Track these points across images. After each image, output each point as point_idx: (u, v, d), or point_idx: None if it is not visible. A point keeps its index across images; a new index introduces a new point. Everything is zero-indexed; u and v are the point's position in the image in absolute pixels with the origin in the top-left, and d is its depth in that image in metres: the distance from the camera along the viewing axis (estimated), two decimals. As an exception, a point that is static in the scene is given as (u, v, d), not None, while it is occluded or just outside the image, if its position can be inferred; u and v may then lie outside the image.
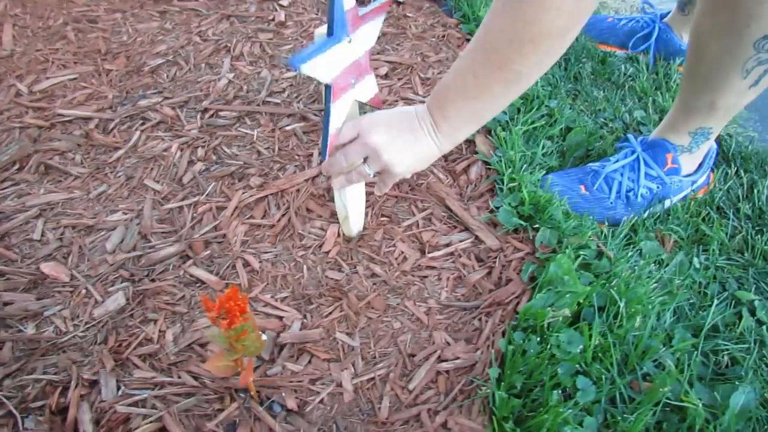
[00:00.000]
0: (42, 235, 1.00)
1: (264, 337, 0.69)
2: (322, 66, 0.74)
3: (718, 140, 1.26)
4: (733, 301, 0.95)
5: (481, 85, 0.75)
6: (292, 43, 1.49)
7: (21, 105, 1.27)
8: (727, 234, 1.07)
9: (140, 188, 1.10)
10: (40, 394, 0.77)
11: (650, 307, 0.86)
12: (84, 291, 0.91)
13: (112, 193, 1.09)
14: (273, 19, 1.58)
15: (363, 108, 0.95)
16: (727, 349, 0.87)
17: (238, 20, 1.58)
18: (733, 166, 1.19)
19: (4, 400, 0.76)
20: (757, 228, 1.08)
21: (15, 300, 0.89)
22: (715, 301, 0.94)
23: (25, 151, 1.14)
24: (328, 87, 0.77)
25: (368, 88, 0.87)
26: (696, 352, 0.85)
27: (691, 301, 0.95)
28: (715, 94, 0.96)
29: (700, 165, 1.12)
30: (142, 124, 1.24)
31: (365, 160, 0.83)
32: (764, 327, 0.90)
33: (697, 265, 1.00)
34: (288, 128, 1.23)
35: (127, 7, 1.62)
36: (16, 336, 0.84)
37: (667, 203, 1.10)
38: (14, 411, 0.75)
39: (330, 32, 0.75)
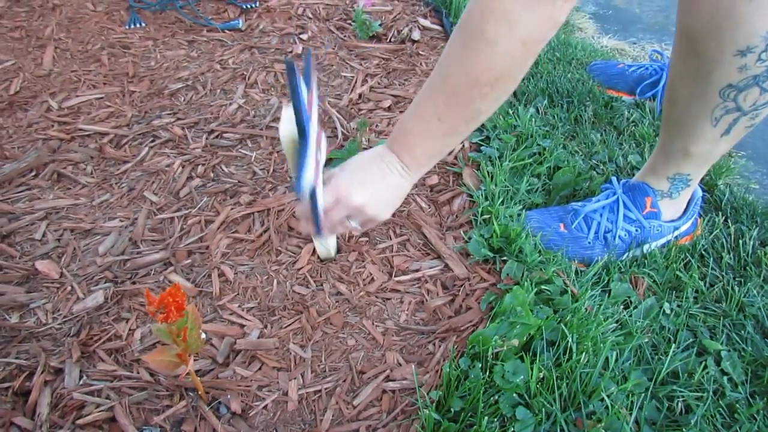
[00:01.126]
0: (43, 236, 1.10)
1: (203, 336, 0.75)
2: (310, 173, 0.79)
3: (712, 190, 1.26)
4: (700, 350, 0.94)
5: (444, 126, 0.81)
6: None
7: (49, 119, 1.40)
8: (705, 282, 1.06)
9: (139, 199, 1.19)
10: (8, 377, 0.84)
11: (602, 345, 0.87)
12: (69, 288, 0.99)
13: (113, 201, 1.18)
14: (291, 51, 1.68)
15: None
16: (683, 396, 0.86)
17: (259, 51, 1.69)
18: (721, 215, 1.18)
19: (-23, 379, 0.84)
20: (738, 279, 1.06)
21: (6, 292, 0.98)
22: (679, 348, 0.93)
23: (42, 159, 1.26)
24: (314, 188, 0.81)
25: (323, 146, 0.89)
26: (647, 395, 0.85)
27: (654, 345, 0.94)
28: (688, 140, 0.97)
29: (684, 211, 1.12)
30: (152, 141, 1.34)
31: (348, 216, 0.89)
32: (726, 378, 0.89)
33: (668, 311, 1.00)
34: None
35: (159, 36, 1.76)
36: (0, 323, 0.92)
37: (646, 247, 1.10)
38: (-17, 389, 0.82)
39: (301, 135, 0.79)
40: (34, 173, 1.24)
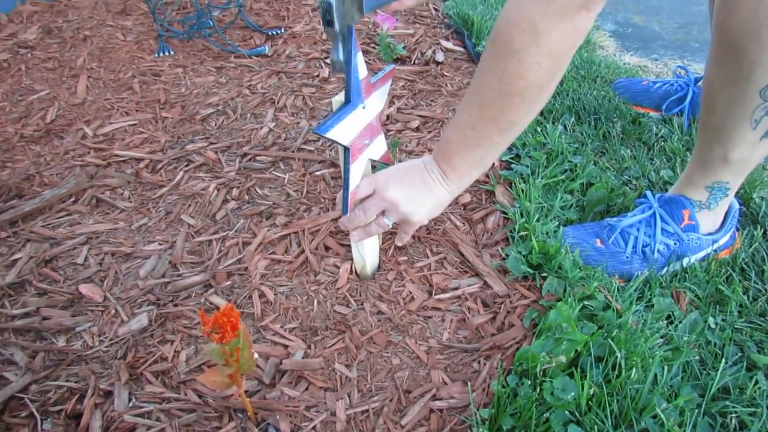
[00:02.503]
0: (85, 260, 1.11)
1: (256, 356, 0.75)
2: (342, 131, 0.83)
3: (747, 203, 1.25)
4: (749, 365, 0.93)
5: (480, 136, 0.82)
6: (332, 97, 1.61)
7: (85, 146, 1.43)
8: (748, 296, 1.04)
9: (177, 222, 1.20)
10: (60, 400, 0.84)
11: (651, 360, 0.86)
12: (113, 311, 1.00)
13: (151, 225, 1.19)
14: (317, 75, 1.71)
15: (374, 164, 1.03)
16: (736, 412, 0.84)
17: (286, 76, 1.72)
18: (759, 228, 1.17)
19: (29, 402, 0.84)
20: (782, 291, 1.05)
21: (53, 315, 0.99)
22: (728, 363, 0.92)
23: (81, 185, 1.28)
24: (347, 149, 0.86)
25: (379, 146, 0.96)
26: (699, 411, 0.83)
27: (701, 360, 0.93)
28: (728, 145, 0.97)
29: (722, 224, 1.11)
30: (187, 165, 1.36)
31: (383, 213, 0.90)
32: (779, 391, 0.87)
33: (713, 326, 0.99)
34: (318, 173, 1.32)
35: (189, 63, 1.80)
36: (49, 347, 0.93)
37: (686, 261, 1.09)
38: (36, 413, 0.83)
39: (347, 100, 0.85)
40: (73, 199, 1.26)
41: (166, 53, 1.84)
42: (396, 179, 0.89)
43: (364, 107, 0.87)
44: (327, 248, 1.13)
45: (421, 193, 0.88)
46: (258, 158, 1.38)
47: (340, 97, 0.86)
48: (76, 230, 1.18)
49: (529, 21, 0.68)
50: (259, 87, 1.67)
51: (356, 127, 0.86)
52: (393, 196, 0.87)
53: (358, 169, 0.89)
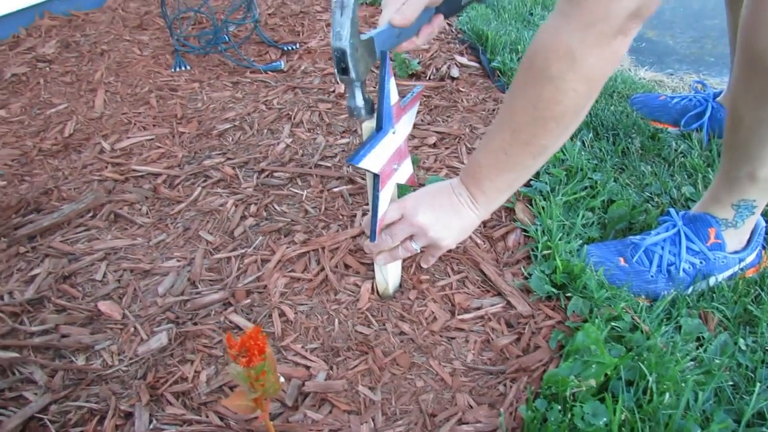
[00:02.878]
0: (103, 277, 1.10)
1: (282, 380, 0.73)
2: (374, 159, 0.82)
3: (773, 219, 1.23)
4: (782, 388, 0.90)
5: (512, 161, 0.81)
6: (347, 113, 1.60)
7: (103, 160, 1.43)
8: (778, 316, 1.02)
9: (195, 239, 1.19)
10: (80, 421, 0.83)
11: (683, 384, 0.83)
12: (132, 329, 0.99)
13: (169, 241, 1.18)
14: (333, 91, 1.70)
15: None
16: (771, 438, 0.82)
17: (302, 91, 1.71)
18: (787, 246, 1.14)
19: (48, 423, 0.83)
20: (812, 312, 1.02)
21: (72, 333, 0.98)
22: (762, 386, 0.89)
23: (100, 200, 1.27)
24: (376, 176, 0.84)
25: (406, 170, 0.95)
26: (734, 438, 0.81)
27: (734, 384, 0.90)
28: (755, 164, 0.95)
29: (748, 242, 1.09)
30: (204, 181, 1.35)
31: (411, 237, 0.89)
32: (815, 417, 0.85)
33: (744, 347, 0.96)
34: (335, 190, 1.31)
35: (205, 78, 1.80)
36: (68, 366, 0.92)
37: (712, 280, 1.07)
38: (56, 434, 0.81)
39: (378, 127, 0.83)
40: (91, 214, 1.25)
41: (183, 68, 1.84)
42: (425, 204, 0.87)
43: (394, 132, 0.86)
44: (347, 266, 1.11)
45: (450, 217, 0.87)
46: (275, 174, 1.37)
47: (370, 123, 0.85)
48: (95, 246, 1.17)
49: (567, 48, 0.67)
50: (275, 102, 1.66)
51: (386, 153, 0.85)
52: (422, 221, 0.85)
53: (386, 195, 0.88)
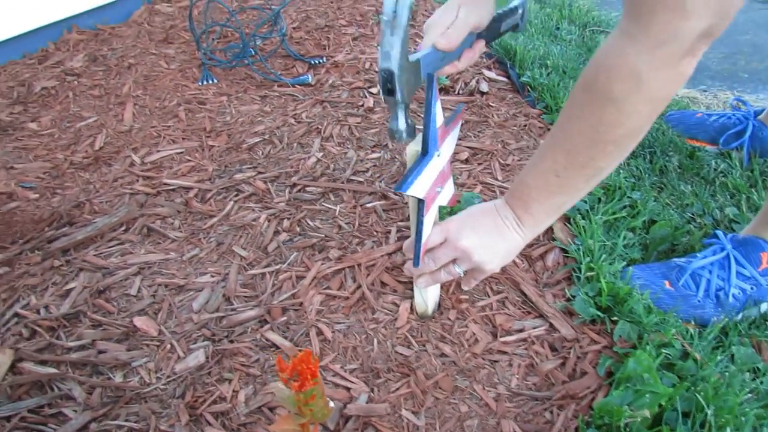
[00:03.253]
0: (138, 291, 1.09)
1: (331, 404, 0.71)
2: (421, 185, 0.80)
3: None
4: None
5: (564, 183, 0.79)
6: (378, 127, 1.59)
7: (133, 174, 1.43)
8: (833, 344, 0.99)
9: (228, 254, 1.18)
10: (120, 441, 0.82)
11: (743, 418, 0.80)
12: (169, 346, 0.98)
13: (203, 256, 1.18)
14: (362, 105, 1.70)
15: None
16: (835, 474, 0.79)
17: (330, 105, 1.71)
18: (838, 270, 1.11)
19: (88, 443, 0.81)
20: None
21: (108, 349, 0.97)
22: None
23: (132, 214, 1.27)
24: (421, 201, 0.82)
25: (449, 191, 0.93)
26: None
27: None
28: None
29: (800, 267, 1.06)
30: (236, 195, 1.34)
31: (454, 260, 0.87)
32: None
33: (799, 377, 0.93)
34: (369, 205, 1.29)
35: (233, 91, 1.80)
36: (106, 383, 0.91)
37: (764, 307, 1.04)
38: (94, 455, 0.80)
39: (424, 151, 0.82)
40: (124, 228, 1.25)
41: (210, 81, 1.85)
42: (468, 227, 0.85)
43: (439, 155, 0.85)
44: (383, 284, 1.10)
45: (495, 241, 0.85)
46: (307, 189, 1.36)
47: (414, 146, 0.84)
48: (128, 260, 1.16)
49: (632, 69, 0.66)
50: (304, 116, 1.66)
51: (431, 177, 0.84)
52: (466, 245, 0.84)
53: (430, 218, 0.86)
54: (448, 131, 0.89)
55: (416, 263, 0.87)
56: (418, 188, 0.80)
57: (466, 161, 1.46)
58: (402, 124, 0.85)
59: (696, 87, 1.98)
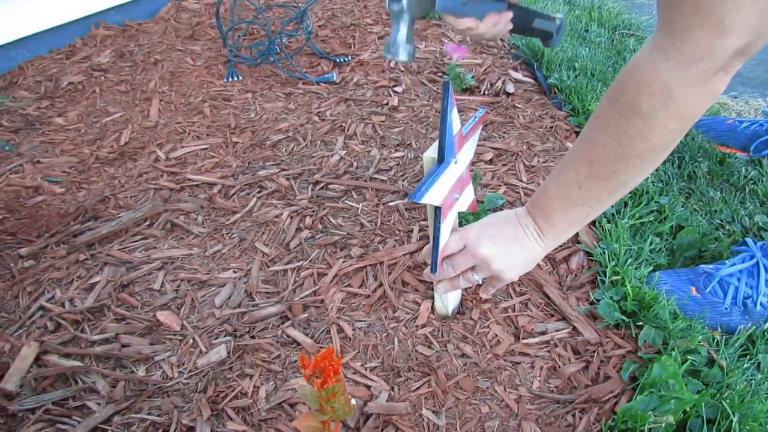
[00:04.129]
0: (161, 286, 1.11)
1: (353, 402, 0.72)
2: (436, 193, 0.81)
3: None
4: None
5: (587, 195, 0.79)
6: (402, 126, 1.60)
7: (158, 169, 1.45)
8: None
9: (251, 250, 1.20)
10: (143, 432, 0.83)
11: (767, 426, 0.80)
12: (191, 341, 1.00)
13: (225, 252, 1.19)
14: (387, 104, 1.71)
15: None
16: None
17: (355, 103, 1.72)
18: None
19: (111, 433, 0.83)
20: None
21: (132, 343, 0.99)
22: None
23: (156, 209, 1.30)
24: (438, 208, 0.82)
25: (468, 197, 0.93)
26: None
27: (821, 426, 0.86)
28: None
29: (832, 276, 1.04)
30: (259, 191, 1.36)
31: (473, 268, 0.87)
32: None
33: (829, 387, 0.92)
34: (391, 204, 1.30)
35: (257, 89, 1.82)
36: (129, 376, 0.93)
37: (792, 315, 1.03)
38: (118, 445, 0.82)
39: (440, 159, 0.83)
40: (148, 222, 1.27)
41: (235, 78, 1.87)
42: (488, 235, 0.85)
43: (456, 162, 0.85)
44: (405, 283, 1.10)
45: (514, 250, 0.85)
46: (330, 186, 1.37)
47: (430, 153, 0.84)
48: (152, 255, 1.19)
49: (663, 84, 0.65)
50: (328, 114, 1.68)
51: (448, 184, 0.84)
52: (485, 253, 0.84)
53: (447, 225, 0.86)
54: (466, 138, 0.88)
55: (434, 270, 0.87)
56: (433, 196, 0.80)
57: (491, 162, 1.46)
58: (402, 37, 0.83)
59: (728, 93, 1.95)
